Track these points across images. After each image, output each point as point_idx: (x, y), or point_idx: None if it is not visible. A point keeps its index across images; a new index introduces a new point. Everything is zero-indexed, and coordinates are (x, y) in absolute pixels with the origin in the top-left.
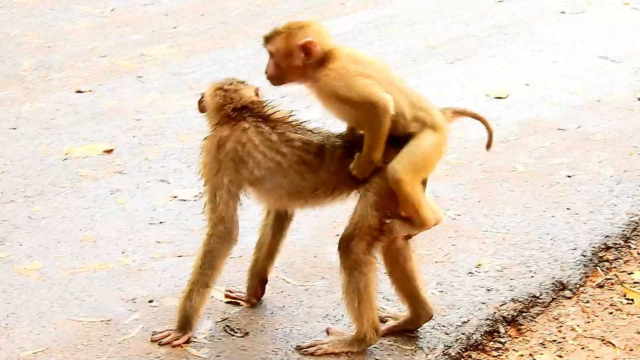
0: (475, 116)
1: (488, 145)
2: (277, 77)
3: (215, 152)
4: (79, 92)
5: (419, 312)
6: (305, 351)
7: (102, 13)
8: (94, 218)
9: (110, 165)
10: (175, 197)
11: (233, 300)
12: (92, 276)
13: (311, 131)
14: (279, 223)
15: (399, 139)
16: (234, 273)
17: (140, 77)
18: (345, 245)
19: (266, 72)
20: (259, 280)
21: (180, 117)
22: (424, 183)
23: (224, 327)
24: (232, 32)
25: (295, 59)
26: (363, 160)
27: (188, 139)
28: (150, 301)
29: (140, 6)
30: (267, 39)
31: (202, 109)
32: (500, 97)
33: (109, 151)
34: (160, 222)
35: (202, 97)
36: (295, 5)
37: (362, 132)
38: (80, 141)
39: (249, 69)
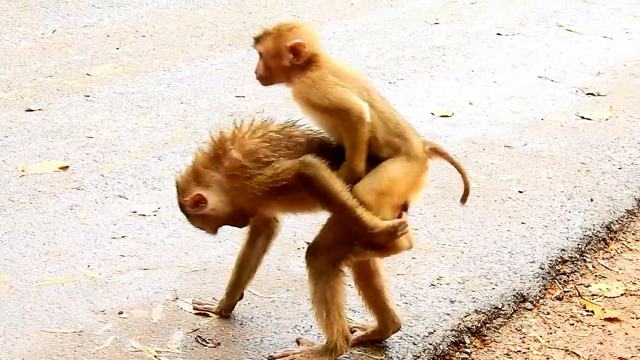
0: (453, 163)
1: (463, 200)
2: (266, 77)
3: None
4: (29, 110)
5: (387, 323)
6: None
7: (43, 35)
8: (56, 233)
9: (67, 182)
10: (135, 212)
11: (203, 312)
12: (59, 289)
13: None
14: (263, 241)
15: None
16: (199, 285)
17: (87, 96)
18: (312, 254)
19: (256, 72)
20: (239, 296)
21: (132, 134)
22: (404, 208)
23: (195, 338)
24: (174, 53)
25: (284, 60)
26: (345, 170)
27: (141, 155)
28: (120, 313)
29: (81, 28)
30: (257, 40)
31: None
32: (446, 116)
33: (65, 168)
34: (122, 237)
35: None
36: (235, 27)
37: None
38: (34, 158)
39: (194, 89)
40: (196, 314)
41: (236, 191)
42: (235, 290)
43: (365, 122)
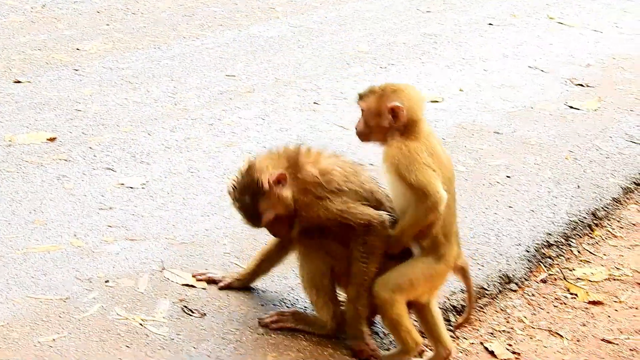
0: (469, 290)
1: (459, 326)
2: (365, 134)
3: None
4: (17, 82)
5: (439, 349)
6: (267, 323)
7: (32, 9)
8: (42, 202)
9: (54, 153)
10: (123, 184)
11: (207, 280)
12: (45, 256)
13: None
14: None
15: None
16: (186, 257)
17: (77, 70)
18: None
19: (356, 128)
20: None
21: (121, 109)
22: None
23: (181, 308)
24: (164, 31)
25: (383, 120)
26: (392, 239)
27: (130, 130)
28: (106, 281)
29: (71, 4)
30: (362, 96)
31: None
32: (436, 101)
33: (52, 139)
34: (110, 208)
35: None
36: (226, 7)
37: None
38: (22, 129)
39: (184, 67)
40: (185, 284)
41: (302, 203)
42: (252, 277)
43: (437, 212)
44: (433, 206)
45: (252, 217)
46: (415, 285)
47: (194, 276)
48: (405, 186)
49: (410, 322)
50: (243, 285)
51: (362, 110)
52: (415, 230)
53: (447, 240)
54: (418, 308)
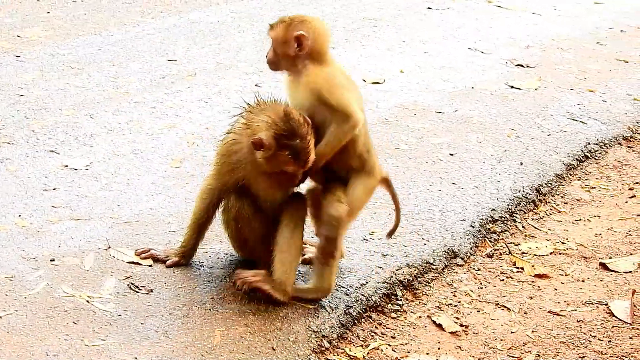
0: (394, 197)
1: (390, 234)
2: (274, 62)
3: None
4: None
5: None
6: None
7: None
8: None
9: None
10: (67, 166)
11: (150, 257)
12: None
13: None
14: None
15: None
16: (131, 236)
17: (18, 56)
18: None
19: (266, 57)
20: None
21: (63, 93)
22: None
23: (128, 285)
24: (105, 18)
25: (289, 48)
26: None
27: (73, 113)
28: (52, 260)
29: None
30: (271, 26)
31: None
32: (377, 83)
33: None
34: (54, 189)
35: None
36: None
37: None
38: None
39: (126, 53)
40: (130, 262)
41: None
42: (194, 250)
43: (354, 132)
44: (354, 125)
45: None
46: (360, 204)
47: (137, 254)
48: (326, 109)
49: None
50: (188, 261)
51: (271, 39)
52: (337, 149)
53: (370, 155)
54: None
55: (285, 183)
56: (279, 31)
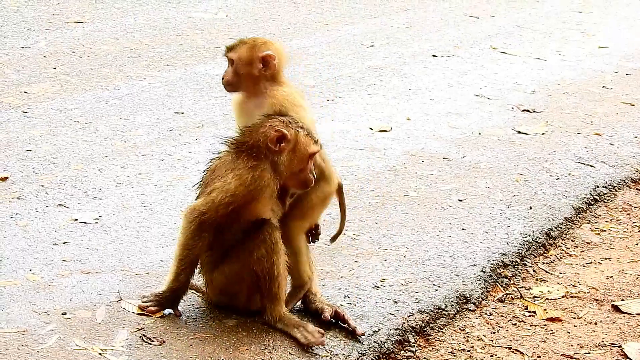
0: (342, 205)
1: (333, 239)
2: (234, 83)
3: None
4: None
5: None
6: None
7: None
8: None
9: (6, 192)
10: (76, 219)
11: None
12: (2, 291)
13: None
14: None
15: None
16: (142, 288)
17: (26, 112)
18: None
19: (223, 78)
20: None
21: (71, 148)
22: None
23: (140, 337)
24: (111, 73)
25: (254, 69)
26: None
27: (81, 167)
28: (64, 313)
29: (17, 49)
30: (231, 48)
31: None
32: (385, 130)
33: (4, 179)
34: (64, 243)
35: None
36: (171, 48)
37: None
38: None
39: (133, 106)
40: (142, 313)
41: None
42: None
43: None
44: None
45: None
46: (316, 210)
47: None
48: None
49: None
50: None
51: (231, 60)
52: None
53: (326, 162)
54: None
55: (299, 186)
56: (242, 52)
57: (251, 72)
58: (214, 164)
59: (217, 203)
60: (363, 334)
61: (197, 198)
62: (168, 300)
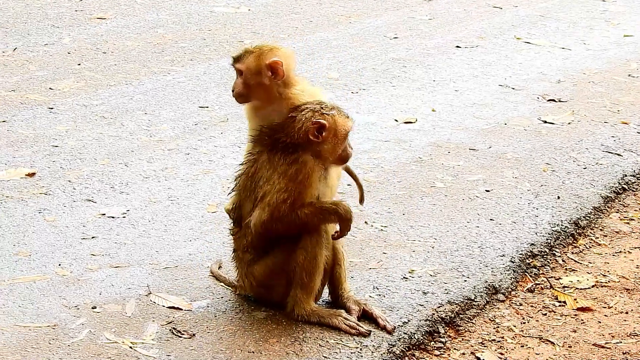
0: (348, 171)
1: (361, 200)
2: (244, 94)
3: None
4: None
5: None
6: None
7: (4, 53)
8: (25, 234)
9: (34, 188)
10: (104, 214)
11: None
12: (32, 286)
13: None
14: None
15: None
16: (171, 281)
17: (51, 108)
18: None
19: (233, 90)
20: None
21: (97, 143)
22: None
23: (170, 330)
24: (135, 68)
25: (264, 77)
26: None
27: (108, 162)
28: (94, 307)
29: (41, 46)
30: (238, 58)
31: None
32: (410, 122)
33: (31, 175)
34: (92, 237)
35: None
36: (194, 43)
37: None
38: (0, 166)
39: (157, 101)
40: (171, 307)
41: None
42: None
43: None
44: None
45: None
46: (334, 189)
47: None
48: None
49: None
50: None
51: (239, 71)
52: None
53: None
54: None
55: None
56: (249, 62)
57: (261, 82)
58: (249, 168)
59: (275, 204)
60: (394, 329)
61: (252, 210)
62: None
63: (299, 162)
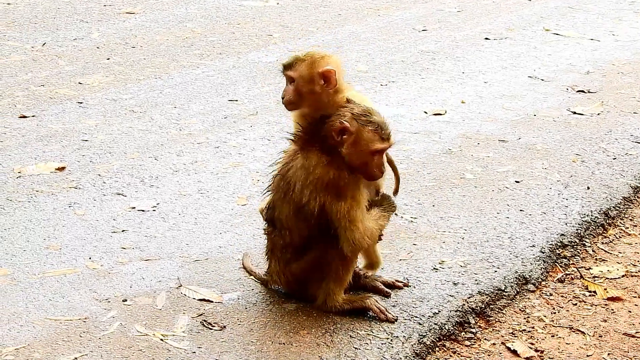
0: (389, 160)
1: (396, 191)
2: (295, 102)
3: None
4: (23, 117)
5: None
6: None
7: (33, 48)
8: (56, 228)
9: (64, 182)
10: (134, 207)
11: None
12: (62, 280)
13: None
14: None
15: None
16: (202, 274)
17: (81, 103)
18: None
19: (283, 97)
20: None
21: (126, 137)
22: None
23: (201, 322)
24: (164, 62)
25: (316, 85)
26: None
27: (137, 156)
28: (125, 300)
29: (70, 41)
30: (289, 66)
31: None
32: (439, 114)
33: (61, 169)
34: (123, 231)
35: None
36: (223, 37)
37: None
38: (30, 161)
39: (187, 95)
40: (202, 299)
41: None
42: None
43: None
44: None
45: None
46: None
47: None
48: None
49: None
50: None
51: (291, 78)
52: None
53: None
54: None
55: (366, 178)
56: (302, 70)
57: (313, 89)
58: (283, 168)
59: (315, 206)
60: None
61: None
62: None
63: (333, 166)
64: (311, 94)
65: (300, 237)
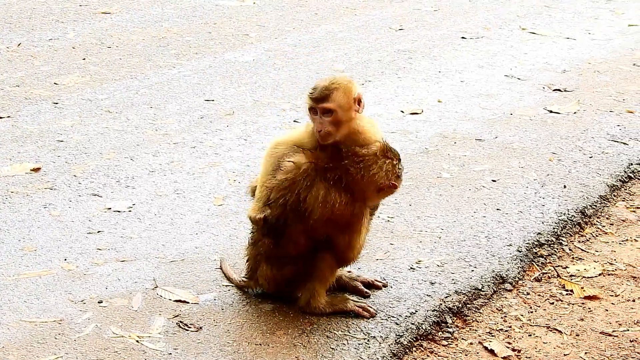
0: None
1: None
2: (332, 133)
3: None
4: None
5: None
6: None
7: (8, 48)
8: (31, 229)
9: (39, 182)
10: (110, 208)
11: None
12: (37, 281)
13: None
14: None
15: None
16: (178, 275)
17: (56, 103)
18: None
19: (320, 131)
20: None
21: (102, 137)
22: None
23: (177, 323)
24: (140, 62)
25: (352, 112)
26: None
27: (113, 157)
28: (100, 302)
29: (46, 41)
30: (324, 98)
31: None
32: (416, 113)
33: (37, 170)
34: (98, 232)
35: None
36: (199, 36)
37: None
38: (5, 162)
39: (163, 95)
40: (178, 300)
41: None
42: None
43: None
44: None
45: None
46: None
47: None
48: None
49: None
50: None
51: (328, 110)
52: None
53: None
54: None
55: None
56: (340, 99)
57: (350, 117)
58: (300, 189)
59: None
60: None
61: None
62: None
63: (354, 207)
64: (347, 121)
65: (302, 249)
